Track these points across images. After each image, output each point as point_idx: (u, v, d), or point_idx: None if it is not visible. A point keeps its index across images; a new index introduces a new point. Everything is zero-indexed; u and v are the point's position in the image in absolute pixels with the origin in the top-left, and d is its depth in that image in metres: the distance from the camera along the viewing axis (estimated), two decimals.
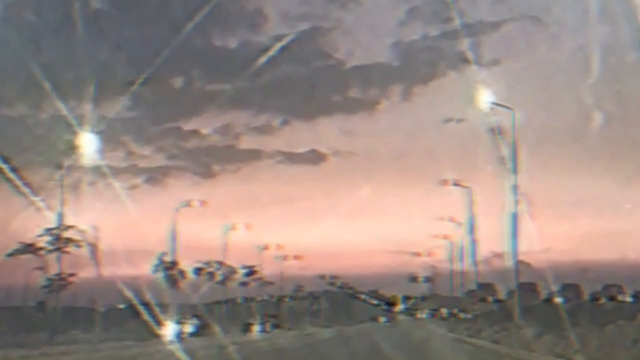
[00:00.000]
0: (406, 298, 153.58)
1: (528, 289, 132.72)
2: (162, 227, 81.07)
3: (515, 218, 52.70)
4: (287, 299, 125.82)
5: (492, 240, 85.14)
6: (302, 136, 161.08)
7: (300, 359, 33.19)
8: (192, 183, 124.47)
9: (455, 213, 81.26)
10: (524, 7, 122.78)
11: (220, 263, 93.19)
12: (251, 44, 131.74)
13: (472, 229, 79.16)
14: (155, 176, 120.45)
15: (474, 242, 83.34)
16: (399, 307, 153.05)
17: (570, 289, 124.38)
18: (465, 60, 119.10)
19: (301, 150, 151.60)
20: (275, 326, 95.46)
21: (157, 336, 52.74)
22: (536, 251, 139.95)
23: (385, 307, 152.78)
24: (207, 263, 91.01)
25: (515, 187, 51.34)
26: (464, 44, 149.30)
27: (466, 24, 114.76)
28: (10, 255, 53.36)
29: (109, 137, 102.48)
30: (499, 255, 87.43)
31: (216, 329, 66.10)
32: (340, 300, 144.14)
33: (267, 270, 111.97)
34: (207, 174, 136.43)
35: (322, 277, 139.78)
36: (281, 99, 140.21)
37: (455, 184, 79.35)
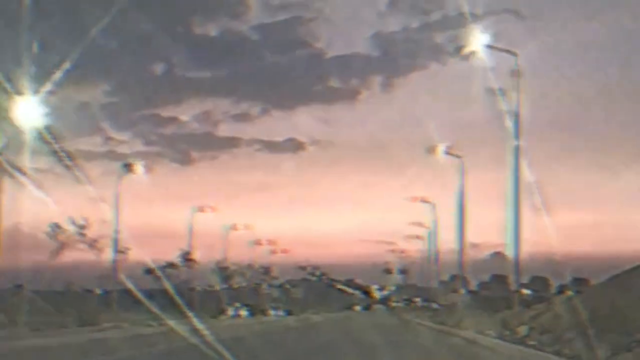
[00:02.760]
0: (382, 288, 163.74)
1: (499, 281, 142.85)
2: (139, 213, 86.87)
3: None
4: (264, 287, 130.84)
5: (469, 231, 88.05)
6: (281, 125, 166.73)
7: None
8: (170, 169, 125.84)
9: (432, 203, 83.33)
10: (505, 0, 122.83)
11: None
12: (232, 33, 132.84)
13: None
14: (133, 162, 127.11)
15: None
16: (375, 296, 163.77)
17: (538, 282, 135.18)
18: (445, 52, 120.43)
19: (280, 138, 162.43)
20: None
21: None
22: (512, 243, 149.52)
23: (361, 296, 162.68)
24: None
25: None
26: (444, 36, 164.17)
27: (446, 16, 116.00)
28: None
29: (87, 122, 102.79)
30: (475, 246, 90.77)
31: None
32: (319, 289, 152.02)
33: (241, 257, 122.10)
34: (186, 160, 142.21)
35: (303, 268, 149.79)
36: (261, 87, 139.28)
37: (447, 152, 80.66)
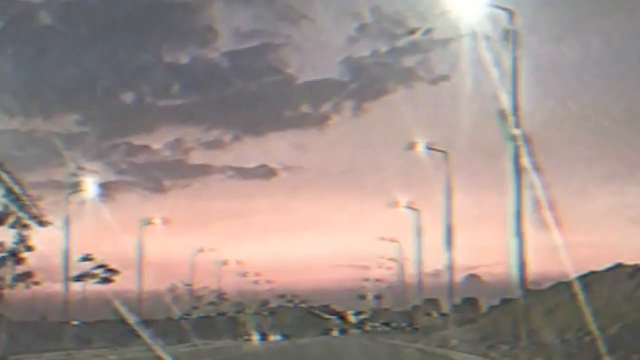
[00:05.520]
0: (357, 313, 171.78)
1: (470, 303, 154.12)
2: (112, 242, 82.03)
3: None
4: (245, 312, 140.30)
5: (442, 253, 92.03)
6: (252, 151, 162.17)
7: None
8: (143, 198, 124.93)
9: (405, 228, 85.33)
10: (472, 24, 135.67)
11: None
12: (202, 60, 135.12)
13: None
14: (105, 192, 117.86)
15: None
16: (351, 321, 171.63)
17: (507, 303, 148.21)
18: (415, 76, 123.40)
19: (252, 165, 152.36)
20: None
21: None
22: (487, 264, 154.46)
23: (337, 321, 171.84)
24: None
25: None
26: (413, 60, 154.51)
27: (415, 41, 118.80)
28: None
29: (57, 152, 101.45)
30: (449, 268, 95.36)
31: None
32: (296, 315, 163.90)
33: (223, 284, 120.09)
34: (158, 189, 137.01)
35: (283, 296, 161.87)
36: (232, 114, 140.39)
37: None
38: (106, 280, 63.82)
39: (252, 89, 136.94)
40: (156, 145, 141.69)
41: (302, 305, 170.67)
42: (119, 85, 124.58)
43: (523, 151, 30.97)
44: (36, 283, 52.17)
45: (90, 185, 63.44)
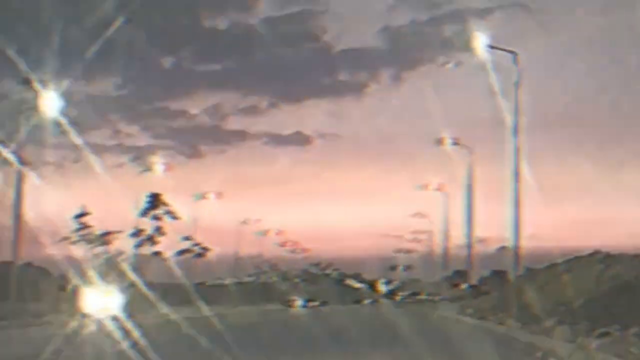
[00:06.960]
0: (387, 282, 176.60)
1: (498, 276, 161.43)
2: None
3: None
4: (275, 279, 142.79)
5: (476, 225, 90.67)
6: (288, 118, 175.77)
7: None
8: (178, 163, 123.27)
9: (438, 198, 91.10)
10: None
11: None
12: (241, 26, 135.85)
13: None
14: (142, 155, 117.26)
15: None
16: (381, 290, 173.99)
17: (523, 277, 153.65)
18: (453, 46, 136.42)
19: (287, 132, 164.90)
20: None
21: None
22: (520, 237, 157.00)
23: (367, 290, 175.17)
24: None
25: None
26: (453, 30, 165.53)
27: (455, 10, 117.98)
28: None
29: (96, 115, 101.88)
30: (481, 240, 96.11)
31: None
32: (328, 283, 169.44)
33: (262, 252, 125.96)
34: (194, 154, 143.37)
35: (317, 264, 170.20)
36: (269, 80, 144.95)
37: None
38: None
39: (289, 55, 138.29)
40: (194, 111, 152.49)
41: (334, 274, 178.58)
42: (157, 49, 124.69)
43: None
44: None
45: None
